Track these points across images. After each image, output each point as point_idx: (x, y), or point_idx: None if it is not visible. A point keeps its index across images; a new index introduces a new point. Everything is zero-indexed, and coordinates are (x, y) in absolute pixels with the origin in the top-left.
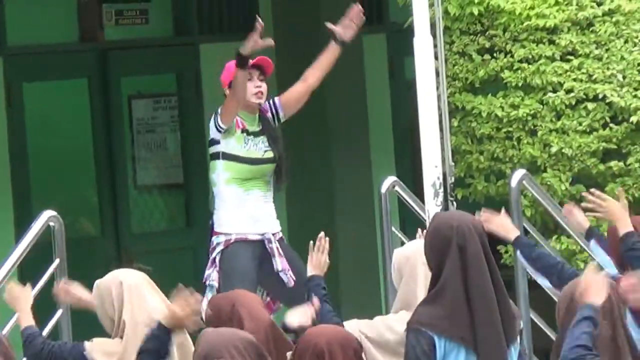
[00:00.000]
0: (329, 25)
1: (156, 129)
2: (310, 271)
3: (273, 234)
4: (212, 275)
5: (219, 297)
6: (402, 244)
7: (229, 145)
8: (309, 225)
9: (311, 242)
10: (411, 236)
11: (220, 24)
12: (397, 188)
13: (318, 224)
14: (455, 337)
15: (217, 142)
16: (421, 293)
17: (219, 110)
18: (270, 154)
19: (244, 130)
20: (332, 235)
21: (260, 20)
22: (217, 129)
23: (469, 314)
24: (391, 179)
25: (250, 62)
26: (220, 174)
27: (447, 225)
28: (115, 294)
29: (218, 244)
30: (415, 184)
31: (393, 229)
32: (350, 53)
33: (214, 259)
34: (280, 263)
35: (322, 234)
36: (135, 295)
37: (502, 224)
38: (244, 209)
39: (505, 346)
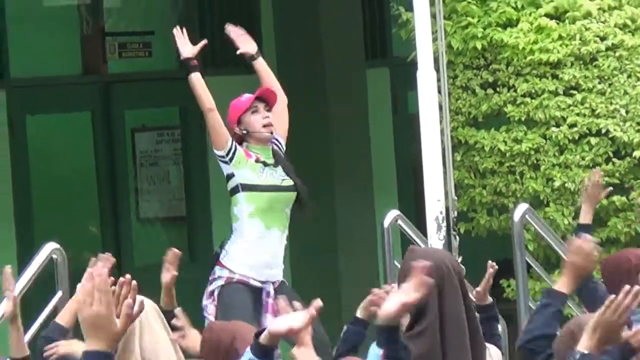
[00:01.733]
0: (239, 52)
1: (159, 161)
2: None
3: (273, 283)
4: (209, 308)
5: (218, 327)
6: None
7: (244, 176)
8: (312, 260)
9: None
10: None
11: (224, 58)
12: (399, 222)
13: (321, 258)
14: None
15: (232, 176)
16: None
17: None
18: (288, 182)
19: (258, 161)
20: (334, 270)
21: (178, 28)
22: (221, 160)
23: (443, 357)
24: (394, 213)
25: (255, 95)
26: (244, 207)
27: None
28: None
29: (220, 277)
30: (418, 218)
31: (396, 262)
32: (353, 87)
33: (212, 292)
34: (269, 321)
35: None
36: (144, 323)
37: (591, 200)
38: (260, 254)
39: None
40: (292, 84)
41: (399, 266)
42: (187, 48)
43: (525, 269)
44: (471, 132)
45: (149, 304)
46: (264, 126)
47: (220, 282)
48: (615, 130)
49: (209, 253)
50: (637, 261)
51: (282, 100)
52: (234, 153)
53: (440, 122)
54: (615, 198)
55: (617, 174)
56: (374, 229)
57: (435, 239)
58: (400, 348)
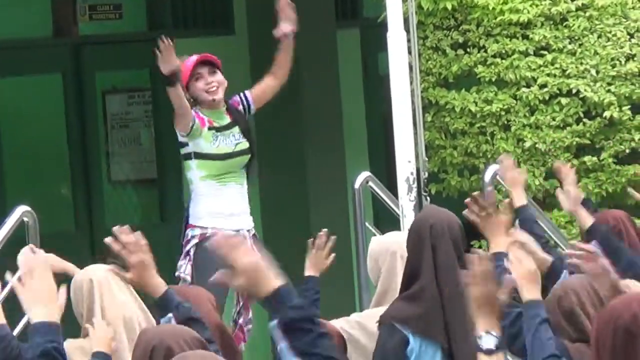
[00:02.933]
0: (276, 34)
1: (130, 124)
2: (307, 270)
3: (247, 230)
4: (185, 268)
5: (176, 291)
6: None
7: (198, 145)
8: (283, 220)
9: (310, 239)
10: (384, 231)
11: (194, 19)
12: (370, 183)
13: (291, 219)
14: (432, 337)
15: (186, 144)
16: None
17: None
18: (243, 146)
19: (211, 128)
20: (305, 231)
21: (164, 38)
22: (179, 135)
23: (443, 316)
24: (365, 174)
25: (195, 60)
26: (195, 172)
27: (424, 224)
28: (86, 290)
29: (193, 237)
30: (389, 179)
31: (367, 224)
32: (324, 48)
33: (188, 251)
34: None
35: (324, 230)
36: (105, 291)
37: (515, 183)
38: (221, 202)
39: (475, 346)
40: (261, 45)
41: (370, 228)
42: (167, 66)
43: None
44: (442, 93)
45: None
46: (207, 92)
47: (195, 241)
48: (585, 90)
49: (181, 215)
50: (614, 222)
51: (279, 80)
52: (192, 127)
53: (411, 83)
54: (586, 158)
55: (587, 135)
56: (345, 190)
57: (406, 200)
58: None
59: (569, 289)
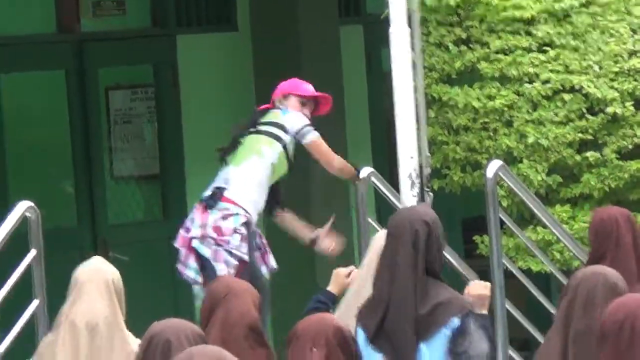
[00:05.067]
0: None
1: (133, 120)
2: (329, 286)
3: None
4: (237, 242)
5: (219, 281)
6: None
7: (290, 145)
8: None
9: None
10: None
11: (197, 16)
12: (373, 179)
13: (295, 214)
14: (364, 327)
15: (286, 134)
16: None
17: (309, 126)
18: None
19: None
20: (306, 218)
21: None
22: (299, 124)
23: (384, 309)
24: (367, 170)
25: (315, 94)
26: (272, 157)
27: (389, 223)
28: (70, 287)
29: (238, 214)
30: (391, 175)
31: (369, 219)
32: (327, 44)
33: (237, 229)
34: (272, 261)
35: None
36: (83, 293)
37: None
38: (262, 199)
39: (408, 339)
40: (265, 42)
41: (372, 223)
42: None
43: (498, 225)
44: (444, 89)
45: (101, 275)
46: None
47: (242, 219)
48: (588, 86)
49: (183, 211)
50: (608, 220)
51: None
52: None
53: (414, 79)
54: (589, 154)
55: (590, 130)
56: (348, 185)
57: (409, 196)
58: None
59: None
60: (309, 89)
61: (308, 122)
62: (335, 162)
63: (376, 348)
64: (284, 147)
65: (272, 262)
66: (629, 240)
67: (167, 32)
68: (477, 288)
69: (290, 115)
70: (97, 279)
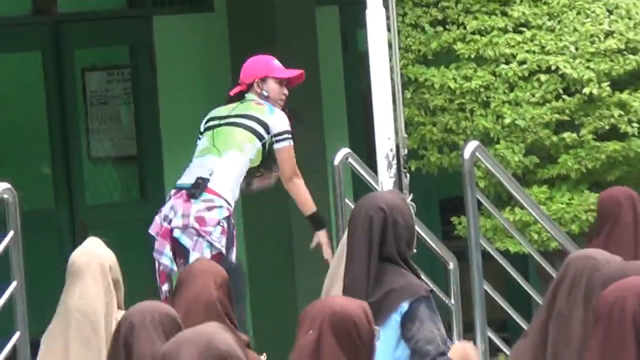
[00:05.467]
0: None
1: (110, 101)
2: None
3: None
4: (217, 235)
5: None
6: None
7: (267, 143)
8: (262, 196)
9: None
10: None
11: None
12: (350, 160)
13: (271, 196)
14: None
15: (267, 134)
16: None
17: (288, 134)
18: None
19: None
20: (284, 207)
21: None
22: (280, 127)
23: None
24: (344, 151)
25: (290, 75)
26: (252, 153)
27: (352, 209)
28: (66, 272)
29: (222, 207)
30: (368, 156)
31: (346, 200)
32: (303, 25)
33: (219, 221)
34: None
35: None
36: (77, 279)
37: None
38: (238, 191)
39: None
40: (241, 23)
41: (350, 204)
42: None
43: (476, 206)
44: (421, 70)
45: (96, 259)
46: (282, 99)
47: (226, 213)
48: (565, 67)
49: (161, 193)
50: (614, 201)
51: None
52: None
53: (390, 60)
54: (565, 135)
55: (567, 111)
56: (325, 166)
57: (386, 177)
58: None
59: None
60: (282, 68)
61: (289, 128)
62: (295, 178)
63: None
64: (263, 145)
65: (234, 256)
66: (629, 220)
67: (144, 13)
68: (458, 351)
69: (277, 117)
70: (92, 263)
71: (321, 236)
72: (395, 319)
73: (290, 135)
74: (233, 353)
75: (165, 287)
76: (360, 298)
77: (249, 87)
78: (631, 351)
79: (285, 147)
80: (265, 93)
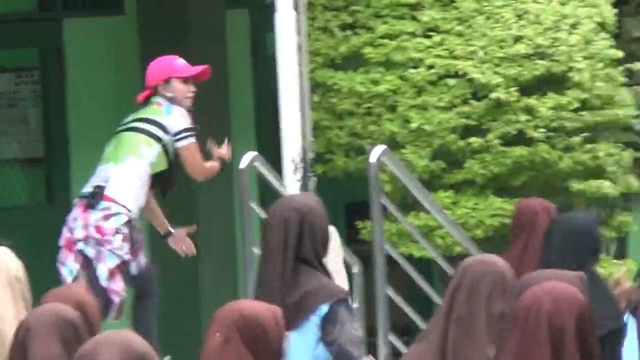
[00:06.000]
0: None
1: (18, 103)
2: None
3: None
4: (118, 243)
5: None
6: (260, 219)
7: (170, 145)
8: (168, 201)
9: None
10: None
11: (84, 0)
12: (256, 163)
13: (177, 199)
14: None
15: (166, 134)
16: None
17: (189, 131)
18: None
19: None
20: (190, 210)
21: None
22: (178, 124)
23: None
24: (251, 155)
25: (195, 73)
26: (152, 155)
27: (268, 211)
28: None
29: (119, 213)
30: (275, 159)
31: (252, 204)
32: (212, 29)
33: (119, 229)
34: (144, 258)
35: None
36: None
37: None
38: (144, 196)
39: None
40: (152, 26)
41: (255, 208)
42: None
43: (381, 211)
44: (329, 74)
45: (2, 268)
46: (188, 98)
47: (125, 219)
48: (473, 71)
49: (68, 196)
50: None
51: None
52: None
53: (299, 63)
54: (472, 140)
55: (474, 116)
56: (231, 170)
57: (292, 181)
58: None
59: None
60: (185, 66)
61: (189, 125)
62: (200, 176)
63: None
64: (164, 146)
65: (143, 260)
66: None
67: (54, 16)
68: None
69: (174, 116)
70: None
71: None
72: (314, 320)
73: (191, 133)
74: (149, 355)
75: None
76: (276, 298)
77: (155, 90)
78: (545, 349)
79: (185, 145)
80: (169, 95)
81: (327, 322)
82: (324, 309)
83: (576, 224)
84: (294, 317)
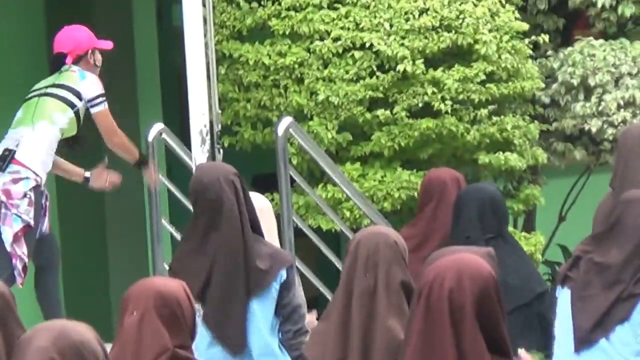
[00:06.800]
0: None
1: None
2: None
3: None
4: (25, 207)
5: None
6: (169, 191)
7: (82, 110)
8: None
9: None
10: (177, 183)
11: None
12: (164, 135)
13: (87, 167)
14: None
15: (80, 100)
16: None
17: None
18: None
19: None
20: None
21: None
22: (90, 90)
23: (208, 269)
24: (158, 126)
25: (109, 46)
26: (62, 122)
27: (197, 180)
28: None
29: (28, 178)
30: (182, 131)
31: (160, 176)
32: None
33: (26, 193)
34: (47, 225)
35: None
36: None
37: None
38: (51, 160)
39: (236, 297)
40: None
41: (164, 180)
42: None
43: (289, 183)
44: (235, 46)
45: None
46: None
47: (33, 184)
48: (379, 44)
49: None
50: (439, 183)
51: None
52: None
53: (205, 35)
54: (379, 112)
55: (381, 88)
56: (139, 142)
57: (199, 153)
58: None
59: None
60: (103, 40)
61: (102, 91)
62: (116, 137)
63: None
64: (76, 112)
65: (46, 226)
66: (452, 201)
67: None
68: None
69: (88, 82)
70: None
71: (150, 168)
72: (274, 286)
73: (104, 99)
74: (87, 343)
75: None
76: (239, 264)
77: (79, 58)
78: (446, 327)
79: (100, 111)
80: (97, 64)
81: (284, 287)
82: (283, 274)
83: (491, 193)
84: (257, 284)
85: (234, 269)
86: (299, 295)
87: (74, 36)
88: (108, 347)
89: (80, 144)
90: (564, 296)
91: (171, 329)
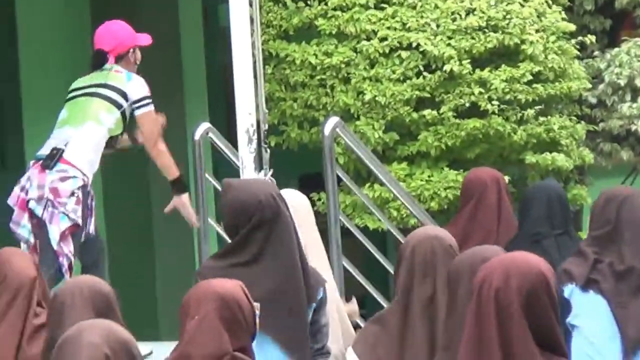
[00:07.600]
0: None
1: None
2: None
3: None
4: (72, 206)
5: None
6: (215, 190)
7: (128, 110)
8: (123, 170)
9: None
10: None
11: None
12: (210, 134)
13: (132, 170)
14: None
15: (126, 101)
16: None
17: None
18: None
19: None
20: (145, 182)
21: None
22: (137, 93)
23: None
24: (205, 126)
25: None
26: (110, 122)
27: (252, 196)
28: None
29: (76, 177)
30: (229, 131)
31: (207, 175)
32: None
33: (74, 192)
34: (93, 226)
35: None
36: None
37: None
38: (98, 161)
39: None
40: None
41: (210, 179)
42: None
43: (335, 183)
44: (282, 45)
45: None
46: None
47: (81, 183)
48: (425, 44)
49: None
50: (491, 182)
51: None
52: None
53: (252, 35)
54: (425, 112)
55: (427, 88)
56: (185, 141)
57: (246, 152)
58: None
59: None
60: (142, 35)
61: (149, 93)
62: (158, 144)
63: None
64: (122, 113)
65: (92, 227)
66: (493, 202)
67: None
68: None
69: (135, 83)
70: None
71: (183, 198)
72: (312, 306)
73: (150, 101)
74: (133, 343)
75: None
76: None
77: (121, 56)
78: (492, 325)
79: (145, 113)
80: (137, 62)
81: (321, 305)
82: (321, 292)
83: (559, 190)
84: (311, 298)
85: (293, 283)
86: (327, 314)
87: (116, 34)
88: (142, 345)
89: (113, 142)
90: (594, 301)
91: (232, 331)
